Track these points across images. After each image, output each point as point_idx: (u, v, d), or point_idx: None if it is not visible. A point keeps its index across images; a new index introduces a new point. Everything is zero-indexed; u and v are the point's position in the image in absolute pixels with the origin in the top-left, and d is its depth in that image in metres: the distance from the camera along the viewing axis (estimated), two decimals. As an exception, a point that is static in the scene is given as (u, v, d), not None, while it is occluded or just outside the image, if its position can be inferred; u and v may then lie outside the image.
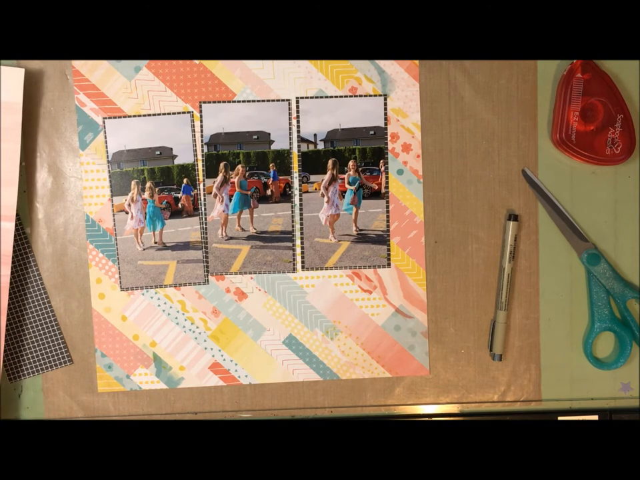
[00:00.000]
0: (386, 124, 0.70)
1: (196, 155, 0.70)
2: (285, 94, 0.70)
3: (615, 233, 0.71)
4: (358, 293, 0.71)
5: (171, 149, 0.70)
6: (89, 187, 0.70)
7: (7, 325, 0.70)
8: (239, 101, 0.70)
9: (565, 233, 0.71)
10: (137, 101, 0.70)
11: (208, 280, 0.71)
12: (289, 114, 0.70)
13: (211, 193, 0.71)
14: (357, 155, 0.71)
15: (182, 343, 0.71)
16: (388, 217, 0.71)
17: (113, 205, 0.71)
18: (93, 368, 0.71)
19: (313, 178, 0.71)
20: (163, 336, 0.71)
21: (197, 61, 0.69)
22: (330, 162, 0.71)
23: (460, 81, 0.70)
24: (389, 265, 0.71)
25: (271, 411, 0.72)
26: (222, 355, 0.71)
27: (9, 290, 0.70)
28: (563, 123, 0.68)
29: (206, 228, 0.71)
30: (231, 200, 0.71)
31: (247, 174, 0.71)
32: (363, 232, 0.71)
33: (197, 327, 0.71)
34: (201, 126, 0.70)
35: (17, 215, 0.70)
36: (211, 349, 0.71)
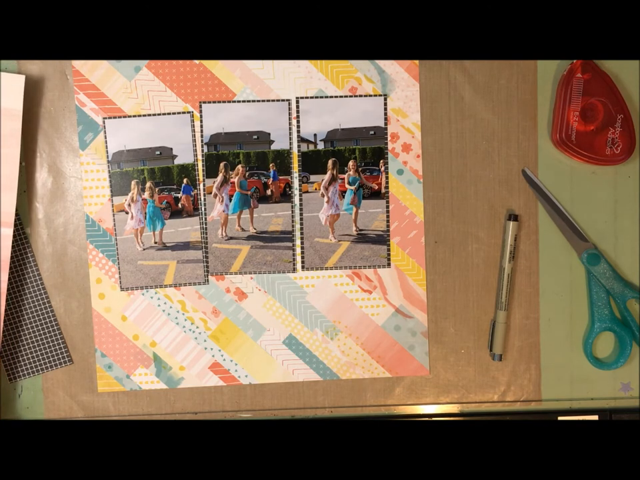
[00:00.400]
0: (386, 124, 0.70)
1: (196, 154, 0.70)
2: (285, 94, 0.70)
3: (615, 233, 0.71)
4: (358, 293, 0.71)
5: (171, 148, 0.70)
6: (88, 187, 0.70)
7: (6, 325, 0.70)
8: (239, 101, 0.70)
9: (564, 233, 0.71)
10: (137, 101, 0.70)
11: (208, 280, 0.71)
12: (289, 114, 0.70)
13: (210, 193, 0.71)
14: (357, 155, 0.71)
15: (182, 343, 0.71)
16: (388, 217, 0.71)
17: (112, 204, 0.71)
18: (93, 368, 0.71)
19: (313, 178, 0.71)
20: (163, 336, 0.71)
21: (197, 61, 0.69)
22: (330, 162, 0.71)
23: (460, 81, 0.70)
24: (389, 265, 0.71)
25: (271, 411, 0.72)
26: (222, 355, 0.72)
27: (9, 290, 0.70)
28: (563, 123, 0.68)
29: (206, 228, 0.71)
30: (230, 200, 0.71)
31: (247, 174, 0.71)
32: (363, 232, 0.71)
33: (197, 327, 0.71)
34: (201, 126, 0.70)
35: (17, 215, 0.70)
36: (211, 348, 0.71)
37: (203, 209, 0.71)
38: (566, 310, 0.71)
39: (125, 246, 0.71)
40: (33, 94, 0.69)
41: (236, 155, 0.71)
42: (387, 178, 0.71)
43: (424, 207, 0.71)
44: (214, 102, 0.70)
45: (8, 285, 0.70)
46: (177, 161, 0.71)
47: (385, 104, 0.70)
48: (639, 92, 0.70)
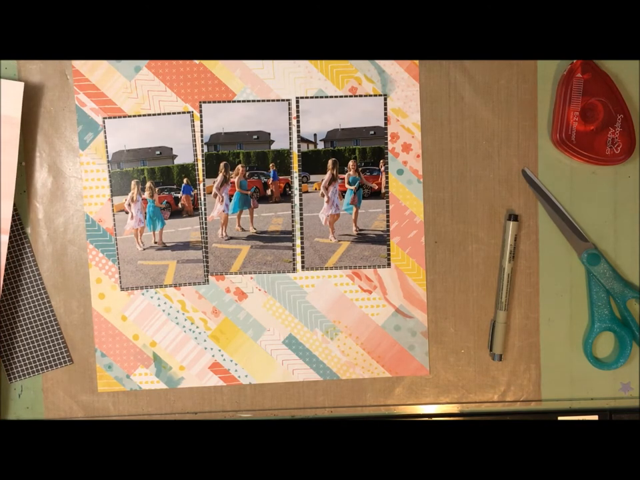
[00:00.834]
0: (386, 124, 0.70)
1: (196, 154, 0.70)
2: (285, 94, 0.70)
3: (615, 233, 0.71)
4: (358, 292, 0.71)
5: (171, 148, 0.70)
6: (89, 187, 0.70)
7: (6, 326, 0.70)
8: (239, 101, 0.70)
9: (564, 233, 0.71)
10: (137, 100, 0.70)
11: (208, 280, 0.71)
12: (289, 114, 0.70)
13: (210, 193, 0.71)
14: (357, 155, 0.71)
15: (182, 343, 0.71)
16: (388, 216, 0.71)
17: (113, 204, 0.71)
18: (93, 368, 0.71)
19: (313, 178, 0.71)
20: (162, 336, 0.71)
21: (197, 61, 0.69)
22: (330, 162, 0.71)
23: (460, 81, 0.70)
24: (388, 264, 0.71)
25: (271, 411, 0.72)
26: (222, 355, 0.72)
27: (9, 290, 0.70)
28: (563, 123, 0.68)
29: (206, 228, 0.71)
30: (231, 200, 0.71)
31: (247, 174, 0.71)
32: (362, 232, 0.71)
33: (197, 327, 0.71)
34: (201, 126, 0.70)
35: (17, 215, 0.70)
36: (211, 348, 0.71)
37: (202, 209, 0.71)
38: (566, 310, 0.71)
39: (124, 246, 0.71)
40: (33, 94, 0.69)
41: (236, 155, 0.71)
42: (386, 178, 0.71)
43: (424, 206, 0.71)
44: (214, 102, 0.70)
45: (8, 285, 0.70)
46: (177, 161, 0.71)
47: (385, 104, 0.70)
48: (639, 92, 0.70)
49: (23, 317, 0.70)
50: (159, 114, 0.70)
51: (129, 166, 0.70)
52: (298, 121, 0.70)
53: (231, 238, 0.71)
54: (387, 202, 0.71)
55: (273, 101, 0.70)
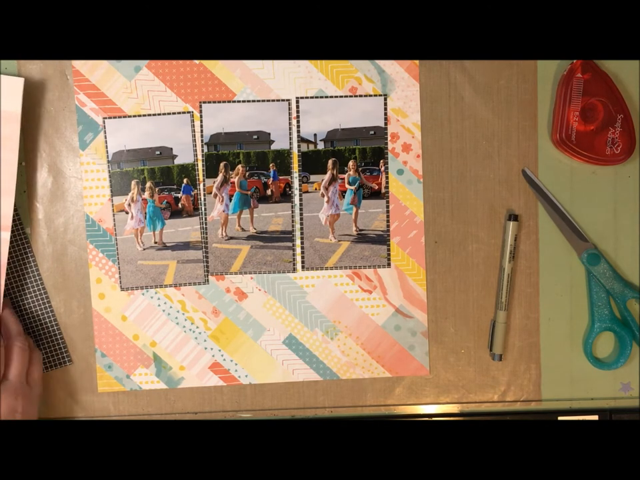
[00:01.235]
0: (386, 124, 0.70)
1: (196, 154, 0.70)
2: (285, 94, 0.70)
3: (615, 232, 0.71)
4: (358, 292, 0.71)
5: (171, 149, 0.70)
6: (89, 187, 0.70)
7: (7, 325, 0.70)
8: (239, 101, 0.70)
9: (565, 233, 0.71)
10: (137, 101, 0.70)
11: (208, 280, 0.71)
12: (289, 114, 0.70)
13: (211, 193, 0.71)
14: (357, 155, 0.71)
15: (182, 343, 0.71)
16: (388, 216, 0.71)
17: (113, 205, 0.71)
18: (93, 368, 0.71)
19: (313, 178, 0.71)
20: (163, 336, 0.71)
21: (197, 61, 0.69)
22: (330, 162, 0.71)
23: (460, 81, 0.70)
24: (389, 264, 0.71)
25: (271, 411, 0.72)
26: (222, 355, 0.71)
27: (9, 290, 0.70)
28: (563, 123, 0.68)
29: (206, 228, 0.71)
30: (231, 200, 0.71)
31: (247, 174, 0.71)
32: (363, 232, 0.71)
33: (197, 327, 0.71)
34: (201, 126, 0.70)
35: (17, 215, 0.70)
36: (211, 348, 0.71)
37: (203, 209, 0.71)
38: (566, 310, 0.71)
39: (125, 246, 0.71)
40: (33, 94, 0.69)
41: (236, 155, 0.71)
42: (387, 178, 0.71)
43: (424, 206, 0.71)
44: (214, 102, 0.70)
45: (8, 285, 0.70)
46: (177, 161, 0.71)
47: (385, 104, 0.70)
48: (639, 92, 0.70)
49: (23, 317, 0.70)
50: (159, 114, 0.70)
51: (129, 166, 0.70)
52: (298, 121, 0.70)
53: (231, 238, 0.71)
54: (387, 202, 0.71)
55: (273, 101, 0.70)
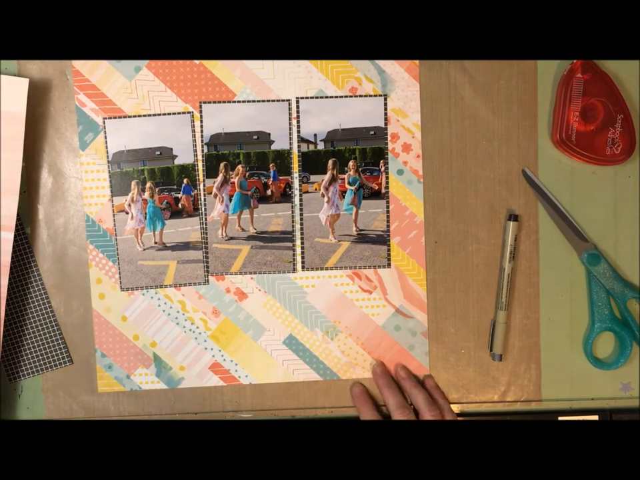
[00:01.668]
0: (386, 124, 0.70)
1: (196, 155, 0.70)
2: (285, 94, 0.70)
3: (615, 232, 0.71)
4: (358, 293, 0.71)
5: (171, 149, 0.70)
6: (89, 187, 0.70)
7: (7, 326, 0.70)
8: (239, 101, 0.70)
9: (565, 233, 0.71)
10: (137, 101, 0.70)
11: (208, 280, 0.71)
12: (289, 114, 0.70)
13: (211, 193, 0.71)
14: (357, 155, 0.71)
15: (182, 343, 0.71)
16: (388, 217, 0.71)
17: (113, 205, 0.71)
18: (93, 368, 0.71)
19: (313, 178, 0.71)
20: (163, 336, 0.71)
21: (197, 61, 0.69)
22: (330, 162, 0.71)
23: (460, 81, 0.70)
24: (389, 265, 0.71)
25: (271, 411, 0.72)
26: (222, 355, 0.71)
27: (9, 290, 0.70)
28: (563, 123, 0.68)
29: (206, 228, 0.71)
30: (231, 200, 0.71)
31: (247, 174, 0.71)
32: (363, 232, 0.71)
33: (197, 327, 0.71)
34: (201, 126, 0.70)
35: (17, 215, 0.69)
36: (211, 349, 0.71)
37: (203, 209, 0.71)
38: (566, 310, 0.71)
39: (125, 246, 0.71)
40: (33, 94, 0.69)
41: (236, 155, 0.71)
42: (387, 178, 0.71)
43: (424, 206, 0.71)
44: (214, 102, 0.70)
45: (8, 285, 0.70)
46: (177, 161, 0.71)
47: (385, 104, 0.70)
48: (639, 92, 0.70)
49: (23, 318, 0.70)
50: (159, 114, 0.70)
51: (129, 166, 0.70)
52: (298, 121, 0.70)
53: (231, 238, 0.71)
54: (387, 202, 0.71)
55: (273, 101, 0.70)
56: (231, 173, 0.71)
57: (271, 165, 0.71)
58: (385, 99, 0.70)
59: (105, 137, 0.70)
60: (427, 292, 0.71)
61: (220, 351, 0.72)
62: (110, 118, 0.70)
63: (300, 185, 0.71)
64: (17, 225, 0.70)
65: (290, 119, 0.70)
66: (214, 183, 0.71)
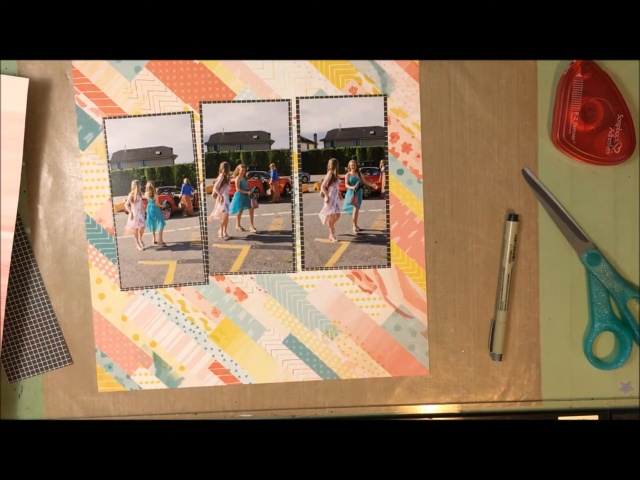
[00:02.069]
0: (386, 124, 0.70)
1: (196, 155, 0.70)
2: (285, 94, 0.70)
3: (615, 232, 0.71)
4: (358, 292, 0.71)
5: (171, 149, 0.70)
6: (89, 187, 0.70)
7: (7, 326, 0.70)
8: (239, 101, 0.70)
9: (565, 233, 0.71)
10: (137, 101, 0.70)
11: (208, 280, 0.71)
12: (289, 114, 0.70)
13: (211, 193, 0.71)
14: (357, 155, 0.71)
15: (182, 343, 0.71)
16: (388, 216, 0.71)
17: (113, 204, 0.71)
18: (93, 368, 0.71)
19: (313, 178, 0.71)
20: (163, 336, 0.71)
21: (197, 61, 0.69)
22: (330, 162, 0.71)
23: (460, 81, 0.70)
24: (389, 264, 0.71)
25: (271, 411, 0.72)
26: (222, 355, 0.71)
27: (9, 290, 0.70)
28: (563, 123, 0.68)
29: (206, 228, 0.71)
30: (231, 200, 0.71)
31: (247, 174, 0.71)
32: (363, 232, 0.71)
33: (197, 327, 0.71)
34: (201, 126, 0.70)
35: (17, 215, 0.69)
36: (211, 348, 0.71)
37: (203, 209, 0.71)
38: (566, 310, 0.71)
39: (125, 246, 0.71)
40: (33, 94, 0.69)
41: (236, 155, 0.71)
42: (387, 178, 0.71)
43: (424, 206, 0.71)
44: (214, 102, 0.70)
45: (8, 285, 0.70)
46: (177, 161, 0.71)
47: (385, 104, 0.70)
48: (639, 92, 0.70)
49: (23, 317, 0.70)
50: (158, 114, 0.70)
51: (129, 166, 0.70)
52: (298, 121, 0.70)
53: (231, 238, 0.71)
54: (387, 202, 0.71)
55: (273, 101, 0.70)
56: (230, 172, 0.71)
57: (270, 165, 0.71)
58: (385, 99, 0.70)
59: (105, 137, 0.70)
60: (427, 292, 0.71)
61: (220, 350, 0.72)
62: (110, 118, 0.70)
63: (300, 185, 0.71)
64: (16, 225, 0.70)
65: (290, 119, 0.70)
66: (214, 182, 0.71)
